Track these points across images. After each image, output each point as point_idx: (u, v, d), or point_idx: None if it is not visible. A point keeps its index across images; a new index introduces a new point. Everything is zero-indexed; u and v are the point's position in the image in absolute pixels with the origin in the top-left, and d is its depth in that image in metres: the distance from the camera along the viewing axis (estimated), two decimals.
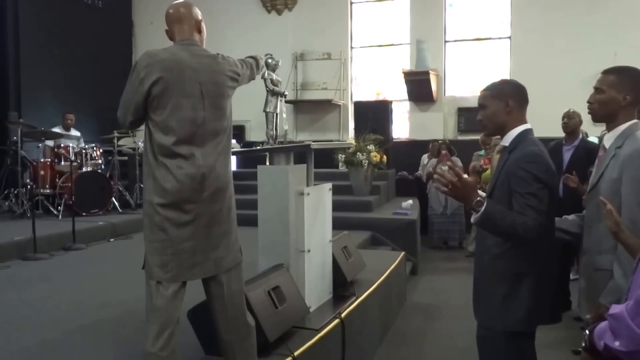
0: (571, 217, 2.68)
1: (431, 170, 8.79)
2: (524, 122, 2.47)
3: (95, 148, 8.68)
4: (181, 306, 2.57)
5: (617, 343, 1.51)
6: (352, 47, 12.22)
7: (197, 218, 2.54)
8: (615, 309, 1.56)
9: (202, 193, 2.54)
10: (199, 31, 2.72)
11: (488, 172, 7.09)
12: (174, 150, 2.51)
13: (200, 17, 2.73)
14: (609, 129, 2.51)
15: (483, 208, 2.23)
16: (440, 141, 9.74)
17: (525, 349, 2.46)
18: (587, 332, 1.70)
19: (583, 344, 1.70)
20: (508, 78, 2.58)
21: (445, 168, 2.29)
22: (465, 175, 2.30)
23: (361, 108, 10.24)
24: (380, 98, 11.81)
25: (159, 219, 2.52)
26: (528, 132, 2.44)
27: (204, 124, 2.56)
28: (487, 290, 2.47)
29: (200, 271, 2.58)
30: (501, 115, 2.45)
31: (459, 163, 7.52)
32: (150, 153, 2.56)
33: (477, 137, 8.30)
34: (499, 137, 2.59)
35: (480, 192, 2.34)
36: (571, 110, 5.46)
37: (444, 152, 9.10)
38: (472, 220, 2.31)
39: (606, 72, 2.51)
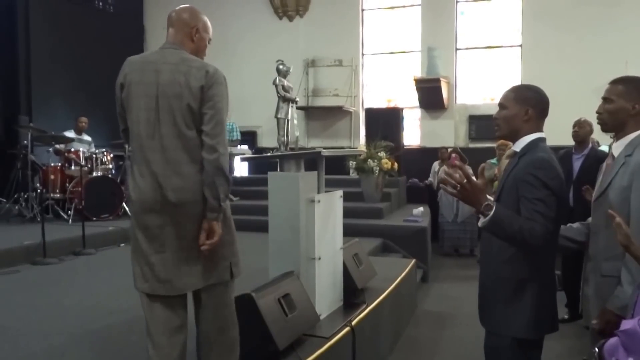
0: (575, 225, 2.68)
1: (443, 175, 8.75)
2: (540, 131, 2.45)
3: (105, 153, 8.72)
4: (179, 314, 2.53)
5: (630, 359, 1.49)
6: (363, 54, 12.22)
7: (162, 230, 2.43)
8: (626, 324, 1.53)
9: (163, 204, 2.41)
10: (192, 39, 2.59)
11: (496, 183, 7.05)
12: (137, 156, 2.47)
13: (197, 24, 2.60)
14: (618, 137, 2.53)
15: (492, 212, 2.20)
16: (450, 149, 9.74)
17: (532, 359, 2.45)
18: (596, 349, 1.68)
19: None
20: (535, 85, 2.56)
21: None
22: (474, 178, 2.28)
23: (372, 115, 10.24)
24: (391, 105, 11.82)
25: (132, 228, 2.50)
26: (540, 140, 2.42)
27: (159, 127, 2.42)
28: (492, 295, 2.46)
29: (173, 288, 2.46)
30: (518, 120, 2.43)
31: (470, 171, 7.48)
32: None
33: (488, 144, 8.26)
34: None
35: (488, 196, 2.32)
36: (582, 119, 5.41)
37: (453, 155, 9.07)
38: (479, 223, 2.28)
39: (614, 82, 2.53)
